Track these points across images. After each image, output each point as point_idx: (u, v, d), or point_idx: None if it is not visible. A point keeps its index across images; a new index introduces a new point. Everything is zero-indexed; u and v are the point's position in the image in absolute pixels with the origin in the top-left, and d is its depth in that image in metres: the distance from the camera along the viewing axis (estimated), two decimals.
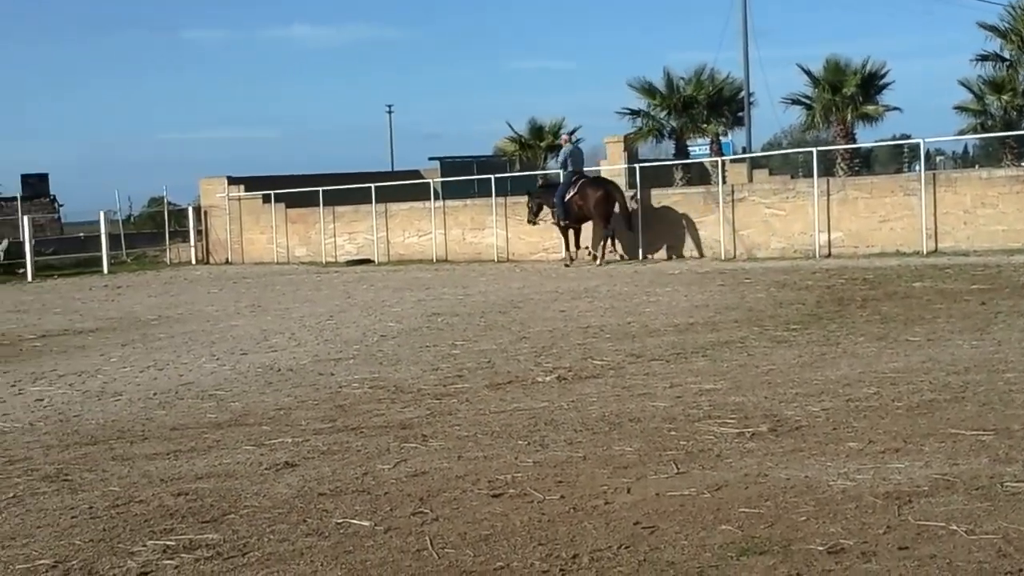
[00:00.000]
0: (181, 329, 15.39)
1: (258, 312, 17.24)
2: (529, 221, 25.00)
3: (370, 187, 29.13)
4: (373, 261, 28.68)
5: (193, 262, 33.30)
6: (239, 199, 32.89)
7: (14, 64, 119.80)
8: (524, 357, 10.89)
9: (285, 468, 6.78)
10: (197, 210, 34.28)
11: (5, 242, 34.22)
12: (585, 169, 24.40)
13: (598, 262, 22.89)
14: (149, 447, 7.64)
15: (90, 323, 17.06)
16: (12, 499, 6.32)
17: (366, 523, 5.51)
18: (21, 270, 30.91)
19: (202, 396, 9.66)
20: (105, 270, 31.30)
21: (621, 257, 23.61)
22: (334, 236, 30.30)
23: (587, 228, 24.05)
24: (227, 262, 32.45)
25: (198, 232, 34.02)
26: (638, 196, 24.22)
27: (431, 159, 40.61)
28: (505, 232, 26.62)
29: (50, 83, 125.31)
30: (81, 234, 42.25)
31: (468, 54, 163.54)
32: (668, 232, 23.81)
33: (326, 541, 5.27)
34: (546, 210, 24.43)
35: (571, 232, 23.87)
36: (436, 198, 28.93)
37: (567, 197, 23.24)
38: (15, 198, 47.60)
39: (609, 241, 23.31)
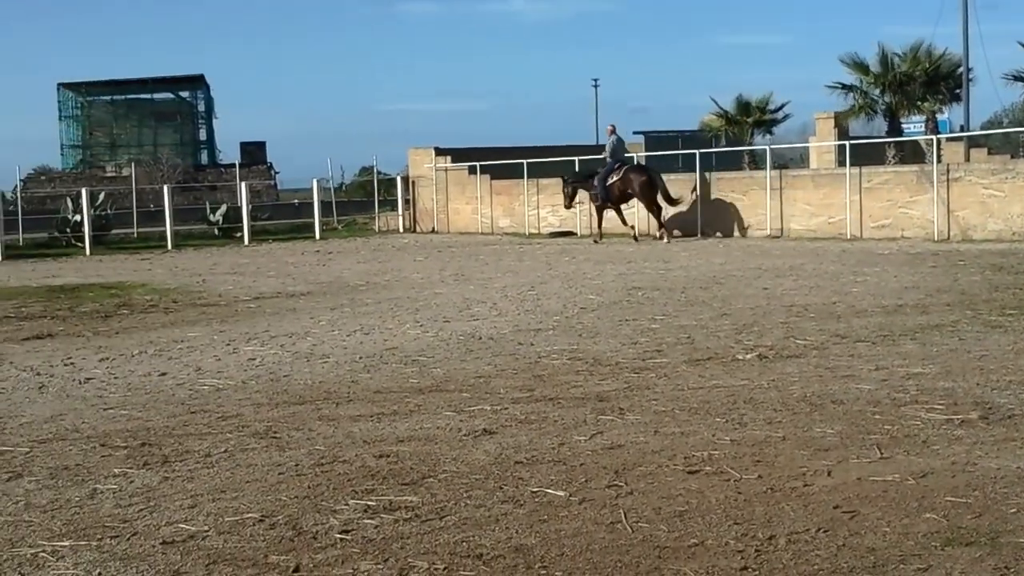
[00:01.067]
0: (387, 295, 15.75)
1: (461, 281, 17.51)
2: (566, 206, 27.73)
3: (574, 160, 29.19)
4: (575, 233, 28.75)
5: (400, 230, 34.02)
6: (446, 170, 33.40)
7: (240, 37, 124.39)
8: (724, 334, 10.76)
9: (483, 435, 6.87)
10: (405, 180, 34.97)
11: (224, 207, 35.57)
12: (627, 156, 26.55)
13: (665, 240, 24.67)
14: (353, 409, 7.85)
15: (301, 287, 17.62)
16: (224, 454, 6.59)
17: (561, 493, 5.55)
18: (238, 234, 32.13)
19: (405, 361, 9.87)
20: (317, 236, 32.25)
21: (662, 236, 25.04)
22: (537, 208, 30.49)
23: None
24: (433, 231, 33.04)
25: (406, 201, 34.72)
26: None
27: (635, 133, 40.45)
28: (709, 207, 26.32)
29: (270, 54, 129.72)
30: (295, 200, 43.74)
31: (677, 29, 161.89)
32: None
33: (521, 509, 5.33)
34: (580, 193, 26.87)
35: (604, 213, 26.04)
36: None
37: (609, 181, 25.22)
38: (234, 165, 49.50)
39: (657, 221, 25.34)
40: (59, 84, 67.27)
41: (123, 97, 69.12)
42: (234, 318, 13.79)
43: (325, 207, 35.47)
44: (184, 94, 69.82)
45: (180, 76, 67.52)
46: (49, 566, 4.65)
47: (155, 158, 60.34)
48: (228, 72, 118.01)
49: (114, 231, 34.20)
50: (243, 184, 34.40)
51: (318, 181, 34.67)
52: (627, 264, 19.34)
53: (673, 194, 25.38)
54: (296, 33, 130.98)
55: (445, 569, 4.58)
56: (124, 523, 5.24)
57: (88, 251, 29.06)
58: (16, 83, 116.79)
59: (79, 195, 31.56)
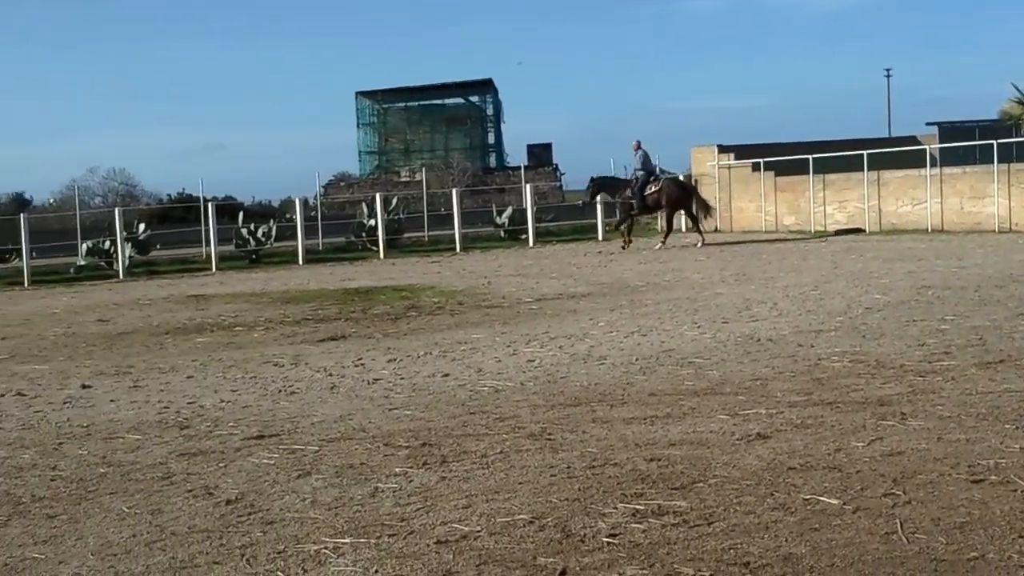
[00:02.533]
0: (667, 296, 15.72)
1: (742, 281, 17.29)
2: (584, 203, 32.02)
3: (862, 154, 28.31)
4: (863, 231, 27.88)
5: (683, 230, 33.84)
6: (728, 167, 33.03)
7: (528, 39, 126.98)
8: (1020, 335, 10.20)
9: (757, 439, 6.77)
10: (688, 179, 34.77)
11: (510, 209, 36.31)
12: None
13: (699, 244, 26.83)
14: (627, 411, 7.88)
15: (582, 288, 17.82)
16: (499, 455, 6.75)
17: (834, 501, 5.40)
18: (524, 236, 32.75)
19: (681, 363, 9.83)
20: (599, 237, 32.50)
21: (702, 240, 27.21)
22: (823, 204, 29.73)
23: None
24: (716, 230, 32.70)
25: None
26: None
27: (929, 124, 38.79)
28: (1008, 201, 25.01)
29: (556, 57, 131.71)
30: (580, 201, 44.18)
31: (973, 13, 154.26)
32: None
33: (792, 516, 5.22)
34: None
35: (632, 220, 28.51)
36: (933, 165, 27.63)
37: (647, 192, 27.47)
38: (520, 167, 50.46)
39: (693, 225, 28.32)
40: (357, 93, 70.48)
41: (416, 103, 71.67)
42: (516, 320, 14.07)
43: (608, 208, 35.67)
44: (474, 99, 71.79)
45: (470, 81, 69.46)
46: (330, 562, 4.88)
47: (446, 162, 62.31)
48: (515, 75, 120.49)
49: (406, 234, 35.50)
50: (528, 186, 35.01)
51: None
52: (917, 262, 18.62)
53: (709, 203, 28.61)
54: (582, 34, 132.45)
55: None
56: (402, 522, 5.44)
57: (382, 254, 30.29)
58: (318, 92, 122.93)
59: (374, 200, 32.93)
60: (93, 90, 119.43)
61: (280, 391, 9.62)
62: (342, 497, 5.94)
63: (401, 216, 35.92)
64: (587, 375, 9.52)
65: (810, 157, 29.81)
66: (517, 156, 66.44)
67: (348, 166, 71.85)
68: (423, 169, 49.46)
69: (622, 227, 28.93)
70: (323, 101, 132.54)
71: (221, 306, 17.98)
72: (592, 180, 29.72)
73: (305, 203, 36.11)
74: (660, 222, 30.73)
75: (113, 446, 7.62)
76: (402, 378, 9.94)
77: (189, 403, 9.22)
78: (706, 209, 28.07)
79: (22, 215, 30.45)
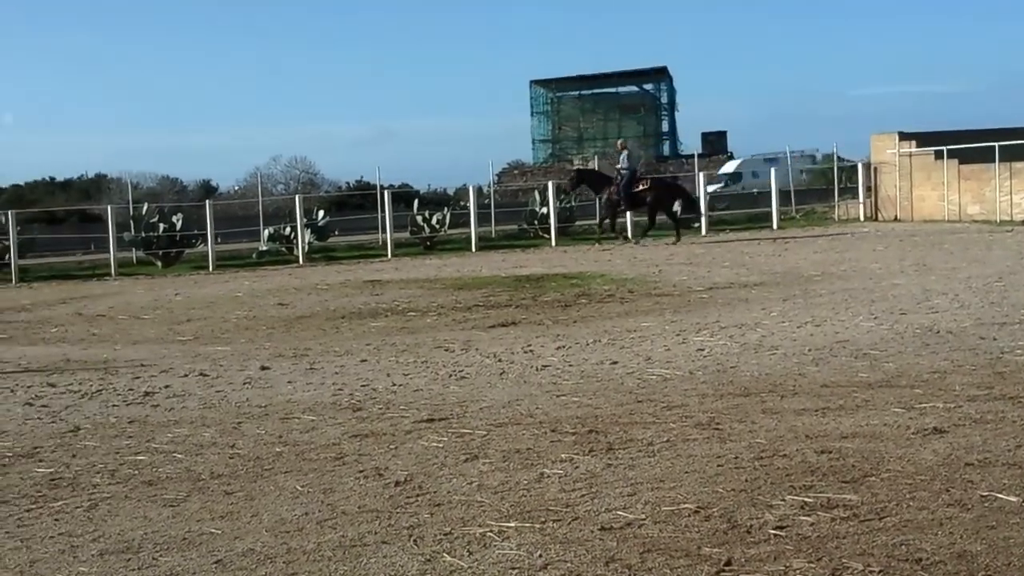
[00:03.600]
0: (842, 286, 15.38)
1: (922, 271, 16.79)
2: (564, 190, 32.51)
3: None
4: None
5: (861, 219, 33.05)
6: (910, 155, 32.07)
7: (704, 25, 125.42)
8: None
9: (933, 434, 6.57)
10: (867, 167, 33.92)
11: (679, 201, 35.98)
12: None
13: (676, 242, 27.70)
14: (798, 402, 7.74)
15: (755, 277, 17.56)
16: (666, 443, 6.70)
17: (1013, 499, 5.21)
18: (696, 224, 32.43)
19: (856, 355, 9.60)
20: (774, 225, 31.97)
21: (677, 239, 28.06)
22: (1010, 194, 28.62)
23: None
24: (896, 219, 31.85)
25: (867, 189, 33.67)
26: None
27: None
28: None
29: (731, 42, 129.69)
30: (754, 190, 43.59)
31: None
32: None
33: (968, 513, 5.05)
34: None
35: (615, 215, 29.24)
36: None
37: (634, 189, 28.15)
38: (693, 155, 49.98)
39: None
40: (531, 81, 70.88)
41: (590, 92, 71.67)
42: (686, 308, 13.96)
43: (783, 196, 35.08)
44: (648, 86, 71.42)
45: (644, 69, 69.14)
46: (495, 546, 4.92)
47: None
48: (690, 62, 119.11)
49: (578, 222, 35.53)
50: (701, 174, 34.65)
51: (775, 170, 34.33)
52: None
53: (695, 201, 30.44)
54: (759, 20, 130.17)
55: (881, 572, 4.43)
56: (566, 508, 5.45)
57: (553, 242, 30.41)
58: (492, 81, 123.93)
59: (546, 188, 33.06)
60: (278, 81, 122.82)
61: (450, 376, 9.75)
62: (508, 482, 5.99)
63: (573, 204, 35.95)
64: (757, 365, 9.39)
65: (996, 145, 28.72)
66: (691, 144, 65.93)
67: (521, 154, 72.24)
68: (596, 157, 49.43)
69: (605, 223, 29.71)
70: (497, 90, 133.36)
71: (396, 292, 18.31)
72: (576, 171, 32.07)
73: (479, 191, 36.41)
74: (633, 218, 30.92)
75: (289, 426, 7.84)
76: (570, 365, 9.96)
77: (363, 386, 9.42)
78: (691, 207, 29.88)
79: (208, 202, 31.54)
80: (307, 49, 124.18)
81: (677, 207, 28.86)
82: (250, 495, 5.98)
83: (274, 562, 4.82)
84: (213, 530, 5.33)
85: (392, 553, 4.87)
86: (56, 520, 5.65)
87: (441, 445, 6.97)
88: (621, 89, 71.86)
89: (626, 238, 29.51)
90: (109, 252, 29.04)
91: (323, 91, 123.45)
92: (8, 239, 27.97)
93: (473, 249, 29.94)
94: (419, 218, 33.63)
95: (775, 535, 4.91)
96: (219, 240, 30.29)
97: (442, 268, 23.71)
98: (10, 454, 7.31)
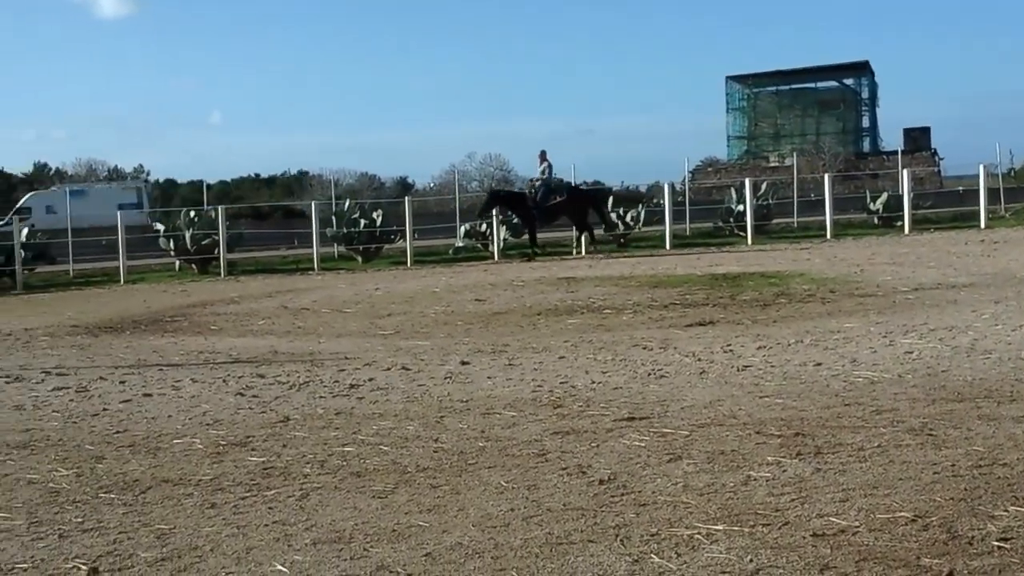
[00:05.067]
0: None
1: None
2: (478, 215, 30.81)
3: None
4: None
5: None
6: None
7: (909, 19, 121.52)
8: None
9: None
10: None
11: (884, 196, 34.90)
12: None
13: (592, 254, 27.95)
14: (1017, 409, 7.40)
15: (963, 278, 16.91)
16: (877, 448, 6.49)
17: None
18: (899, 223, 31.48)
19: None
20: (982, 224, 30.78)
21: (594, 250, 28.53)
22: None
23: None
24: None
25: None
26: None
27: None
28: None
29: (937, 36, 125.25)
30: (959, 188, 42.03)
31: None
32: None
33: None
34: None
35: (531, 230, 28.86)
36: None
37: (550, 202, 28.13)
38: (896, 152, 48.56)
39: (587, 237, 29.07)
40: (727, 77, 69.94)
41: (787, 87, 70.31)
42: (891, 309, 13.54)
43: (992, 194, 33.72)
44: (848, 81, 69.63)
45: (844, 64, 67.45)
46: (703, 548, 4.84)
47: (817, 147, 60.83)
48: (894, 57, 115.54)
49: (775, 220, 34.92)
50: (905, 172, 33.60)
51: (984, 167, 33.03)
52: None
53: (607, 217, 30.84)
54: (967, 12, 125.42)
55: None
56: (776, 512, 5.33)
57: (750, 240, 29.95)
58: (687, 77, 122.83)
59: (742, 185, 32.58)
60: (473, 79, 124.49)
61: (649, 374, 9.68)
62: (714, 483, 5.89)
63: (770, 202, 35.33)
64: (971, 369, 9.02)
65: None
66: (892, 140, 64.03)
67: (715, 151, 71.27)
68: (793, 154, 48.49)
69: (535, 240, 29.18)
70: (692, 86, 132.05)
71: (591, 289, 18.29)
72: (489, 193, 31.89)
73: (672, 188, 36.14)
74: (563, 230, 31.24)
75: (491, 421, 7.90)
76: (772, 366, 9.77)
77: (561, 383, 9.43)
78: (605, 222, 30.37)
79: (407, 198, 32.15)
80: (503, 48, 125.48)
81: (593, 219, 29.31)
82: (455, 489, 6.04)
83: (482, 557, 4.85)
84: (421, 523, 5.40)
85: (599, 552, 4.84)
86: (270, 508, 5.81)
87: (643, 444, 6.91)
88: (820, 84, 70.18)
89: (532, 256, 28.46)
90: (312, 247, 29.89)
91: (518, 88, 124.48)
92: (218, 234, 29.04)
93: (667, 247, 29.73)
94: (613, 215, 33.55)
95: (999, 547, 4.69)
96: (416, 236, 30.82)
97: (636, 266, 23.58)
98: (224, 442, 7.56)
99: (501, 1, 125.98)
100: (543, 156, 29.26)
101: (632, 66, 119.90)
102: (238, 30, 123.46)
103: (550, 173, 29.10)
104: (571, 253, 29.39)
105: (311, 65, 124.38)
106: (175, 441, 7.67)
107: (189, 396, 9.62)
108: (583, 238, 29.45)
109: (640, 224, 33.03)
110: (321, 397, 9.30)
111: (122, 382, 10.54)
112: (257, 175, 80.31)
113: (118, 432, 8.10)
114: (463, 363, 10.82)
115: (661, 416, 7.79)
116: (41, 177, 73.19)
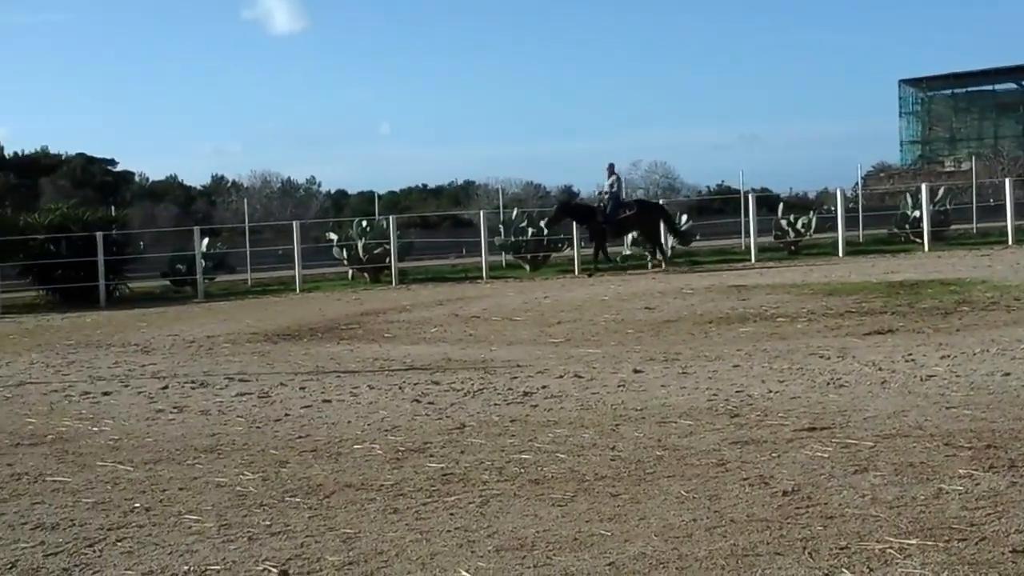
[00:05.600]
0: None
1: None
2: (548, 226, 30.82)
3: None
4: None
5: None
6: None
7: None
8: None
9: None
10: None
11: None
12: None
13: (663, 267, 27.63)
14: None
15: None
16: None
17: None
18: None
19: None
20: None
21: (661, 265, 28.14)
22: None
23: None
24: None
25: None
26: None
27: None
28: None
29: None
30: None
31: None
32: None
33: None
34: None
35: (601, 244, 28.29)
36: None
37: (621, 215, 27.74)
38: None
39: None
40: (900, 81, 68.29)
41: (963, 90, 68.32)
42: None
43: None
44: None
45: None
46: (896, 563, 4.69)
47: (995, 151, 58.84)
48: None
49: (952, 226, 33.89)
50: None
51: None
52: None
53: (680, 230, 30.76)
54: None
55: None
56: (971, 526, 5.13)
57: (926, 247, 29.12)
58: (857, 81, 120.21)
59: (918, 191, 31.71)
60: (635, 87, 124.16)
61: (828, 383, 9.46)
62: (903, 496, 5.70)
63: (948, 207, 34.30)
64: None
65: None
66: None
67: (886, 156, 69.79)
68: (971, 158, 46.98)
69: (604, 253, 28.49)
70: (862, 90, 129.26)
71: (762, 296, 18.02)
72: (558, 205, 31.52)
73: (843, 195, 35.42)
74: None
75: (667, 430, 7.82)
76: (957, 376, 9.45)
77: (737, 392, 9.29)
78: (676, 236, 29.95)
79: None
80: (667, 55, 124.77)
81: (663, 232, 28.69)
82: (635, 498, 5.98)
83: (667, 567, 4.78)
84: (602, 532, 5.36)
85: (787, 565, 4.73)
86: (451, 515, 5.84)
87: (826, 455, 6.74)
88: (998, 86, 67.98)
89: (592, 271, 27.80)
90: (480, 255, 30.17)
91: (681, 96, 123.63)
92: (389, 243, 29.54)
93: (840, 254, 29.12)
94: (783, 222, 33.06)
95: None
96: (583, 244, 30.81)
97: (808, 273, 23.14)
98: (403, 448, 7.66)
99: (661, 8, 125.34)
100: (611, 169, 28.75)
101: (799, 70, 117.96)
102: (406, 43, 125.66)
103: (619, 187, 28.68)
104: (648, 266, 28.84)
105: (477, 76, 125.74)
106: (355, 446, 7.80)
107: (367, 402, 9.78)
108: (656, 253, 28.82)
109: (811, 231, 32.45)
110: (496, 404, 9.35)
111: (302, 388, 10.78)
112: (424, 185, 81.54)
113: (300, 437, 8.28)
114: (636, 371, 10.75)
115: (843, 426, 7.60)
116: (218, 189, 75.66)
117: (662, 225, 29.10)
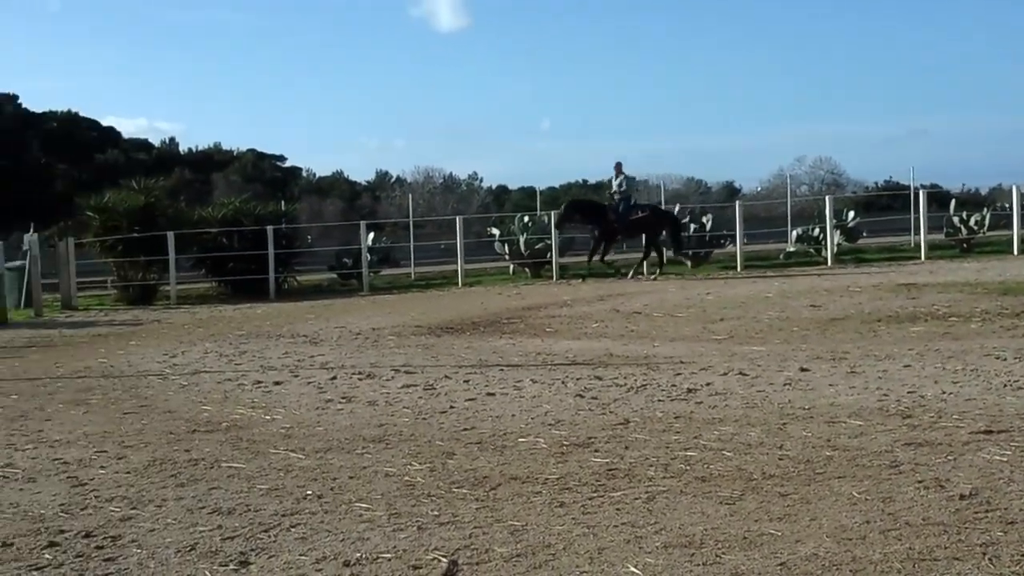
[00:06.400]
0: None
1: None
2: (556, 226, 29.03)
3: None
4: None
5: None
6: None
7: None
8: None
9: None
10: None
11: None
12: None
13: (655, 277, 26.99)
14: None
15: None
16: None
17: None
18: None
19: None
20: None
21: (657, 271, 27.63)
22: None
23: None
24: None
25: None
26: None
27: None
28: None
29: None
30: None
31: None
32: None
33: None
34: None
35: (608, 245, 27.60)
36: None
37: (633, 216, 27.05)
38: None
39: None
40: None
41: None
42: None
43: None
44: None
45: None
46: None
47: None
48: None
49: None
50: None
51: None
52: None
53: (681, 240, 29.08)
54: None
55: None
56: None
57: None
58: None
59: None
60: (799, 81, 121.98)
61: (1005, 385, 9.16)
62: None
63: None
64: None
65: None
66: None
67: None
68: None
69: (606, 257, 27.75)
70: None
71: (933, 295, 17.52)
72: (567, 204, 29.49)
73: (1019, 191, 34.18)
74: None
75: (836, 430, 7.66)
76: None
77: (909, 392, 9.06)
78: (677, 245, 28.67)
79: (737, 202, 31.83)
80: (828, 48, 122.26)
81: (665, 237, 27.92)
82: (805, 498, 5.88)
83: (840, 570, 4.69)
84: (772, 531, 5.28)
85: (966, 571, 4.59)
86: (618, 510, 5.83)
87: (1005, 459, 6.53)
88: None
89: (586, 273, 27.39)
90: (641, 251, 30.02)
91: (846, 89, 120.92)
92: (550, 238, 29.61)
93: (1015, 252, 28.13)
94: (955, 219, 32.09)
95: None
96: (746, 241, 30.43)
97: (982, 271, 22.41)
98: (567, 443, 7.67)
99: (821, 2, 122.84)
100: (619, 169, 27.97)
101: (969, 64, 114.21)
102: (566, 38, 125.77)
103: (628, 186, 27.82)
104: (645, 272, 28.13)
105: (637, 70, 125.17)
106: (520, 440, 7.85)
107: (530, 396, 9.83)
108: (653, 258, 28.04)
109: (985, 228, 31.43)
110: (659, 400, 9.29)
111: (466, 381, 10.90)
112: (584, 180, 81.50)
113: (465, 429, 8.37)
114: (802, 369, 10.56)
115: (1022, 429, 7.34)
116: (382, 185, 76.99)
117: (667, 232, 28.14)
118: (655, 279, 26.48)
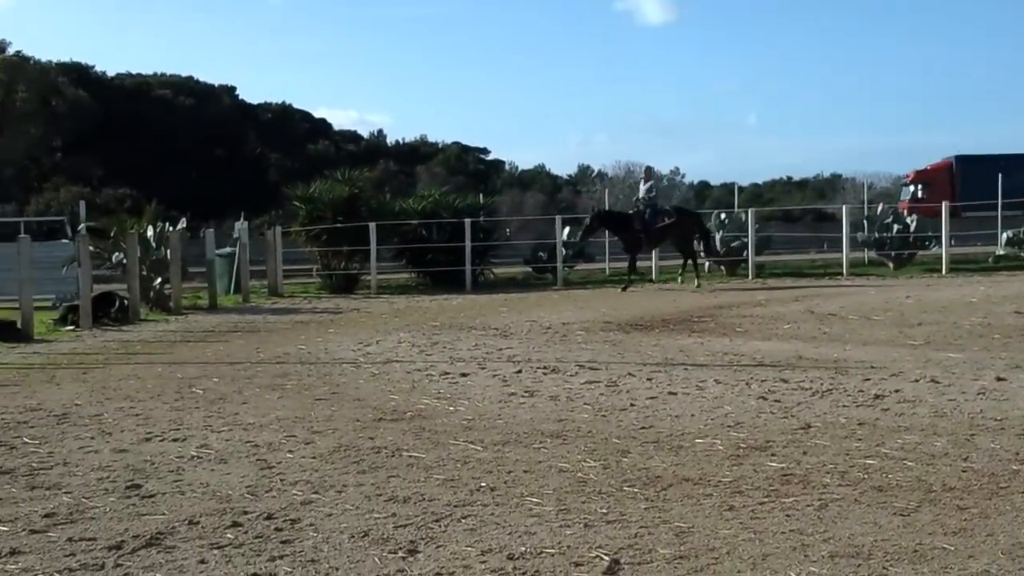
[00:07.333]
0: None
1: None
2: (581, 238, 28.68)
3: None
4: None
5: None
6: None
7: None
8: None
9: None
10: None
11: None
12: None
13: (696, 284, 25.59)
14: None
15: None
16: None
17: None
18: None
19: None
20: None
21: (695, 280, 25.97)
22: None
23: None
24: None
25: None
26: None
27: None
28: None
29: None
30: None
31: None
32: None
33: None
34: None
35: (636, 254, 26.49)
36: None
37: (659, 224, 25.65)
38: None
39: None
40: None
41: None
42: None
43: None
44: None
45: None
46: None
47: None
48: None
49: None
50: None
51: None
52: None
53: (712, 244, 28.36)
54: None
55: None
56: None
57: None
58: None
59: None
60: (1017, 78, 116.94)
61: None
62: None
63: None
64: None
65: None
66: None
67: None
68: None
69: (636, 265, 26.85)
70: None
71: None
72: (593, 214, 27.68)
73: None
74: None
75: None
76: None
77: None
78: (708, 249, 27.84)
79: (944, 203, 30.80)
80: None
81: (698, 244, 26.89)
82: (984, 513, 5.70)
83: None
84: (945, 545, 5.15)
85: None
86: (787, 516, 5.77)
87: None
88: None
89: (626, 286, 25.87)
90: (841, 251, 29.40)
91: None
92: (747, 236, 29.25)
93: None
94: None
95: None
96: (953, 243, 29.44)
97: None
98: (744, 446, 7.61)
99: None
100: (648, 174, 26.92)
101: None
102: (773, 33, 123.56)
103: (656, 193, 26.79)
104: (679, 280, 27.14)
105: (845, 65, 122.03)
106: (697, 441, 7.82)
107: (712, 397, 9.77)
108: (685, 265, 26.99)
109: None
110: (844, 406, 9.12)
111: (649, 379, 10.89)
112: (789, 177, 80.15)
113: (643, 428, 8.38)
114: (999, 379, 10.19)
115: None
116: (583, 179, 77.26)
117: (697, 237, 27.24)
118: (697, 288, 25.34)
